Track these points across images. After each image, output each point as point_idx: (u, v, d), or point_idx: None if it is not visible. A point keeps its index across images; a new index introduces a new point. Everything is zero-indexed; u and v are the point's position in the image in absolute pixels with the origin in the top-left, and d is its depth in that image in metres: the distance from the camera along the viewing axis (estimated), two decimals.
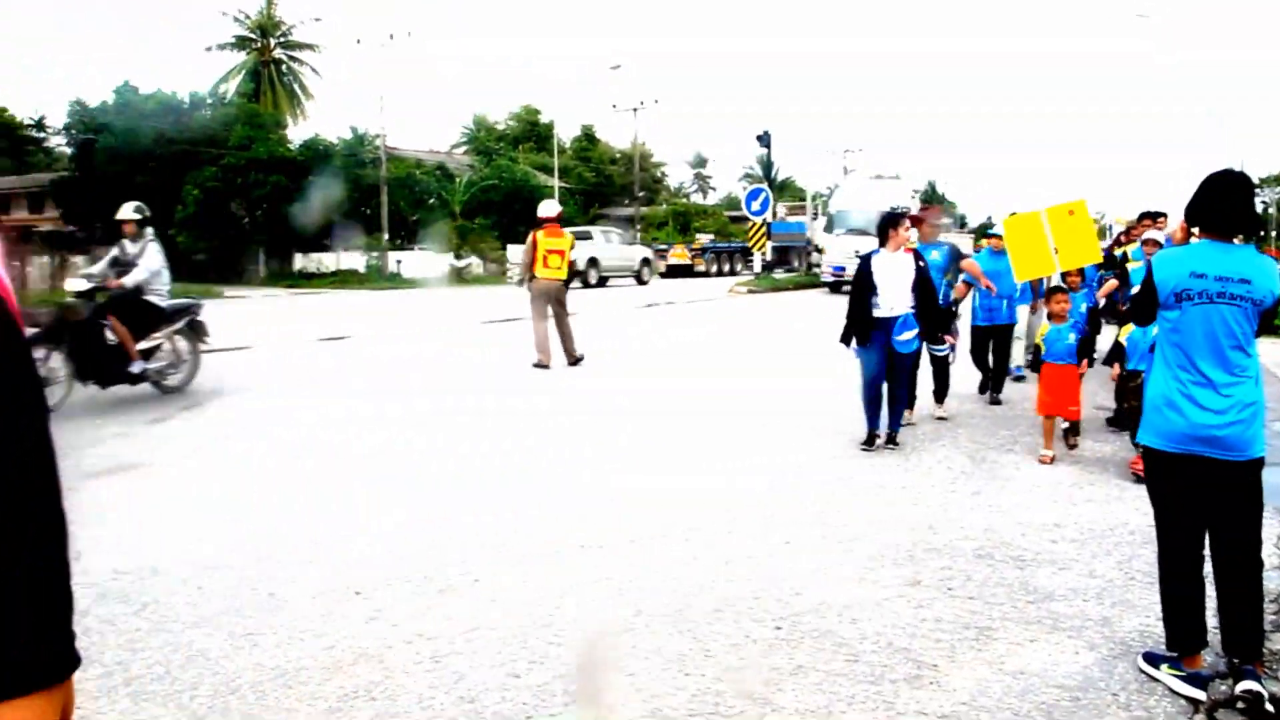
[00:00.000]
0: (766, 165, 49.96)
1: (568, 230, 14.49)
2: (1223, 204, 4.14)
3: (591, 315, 20.88)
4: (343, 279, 42.65)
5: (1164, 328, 4.24)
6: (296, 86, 56.68)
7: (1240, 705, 3.84)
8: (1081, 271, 9.30)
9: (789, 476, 7.47)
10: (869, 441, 8.32)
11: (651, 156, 74.95)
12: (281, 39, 56.66)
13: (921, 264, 8.41)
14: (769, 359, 15.06)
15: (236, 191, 41.77)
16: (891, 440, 8.46)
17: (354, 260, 46.59)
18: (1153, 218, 12.38)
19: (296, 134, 51.21)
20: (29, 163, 60.47)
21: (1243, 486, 4.09)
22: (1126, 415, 8.27)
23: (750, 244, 36.51)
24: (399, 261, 45.92)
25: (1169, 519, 4.24)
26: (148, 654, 4.34)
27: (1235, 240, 4.19)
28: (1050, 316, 8.58)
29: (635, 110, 57.66)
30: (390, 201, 44.56)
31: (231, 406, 10.68)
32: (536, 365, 13.60)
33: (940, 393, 10.02)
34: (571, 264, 14.16)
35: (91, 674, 4.12)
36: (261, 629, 4.62)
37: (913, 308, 8.25)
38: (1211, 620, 4.22)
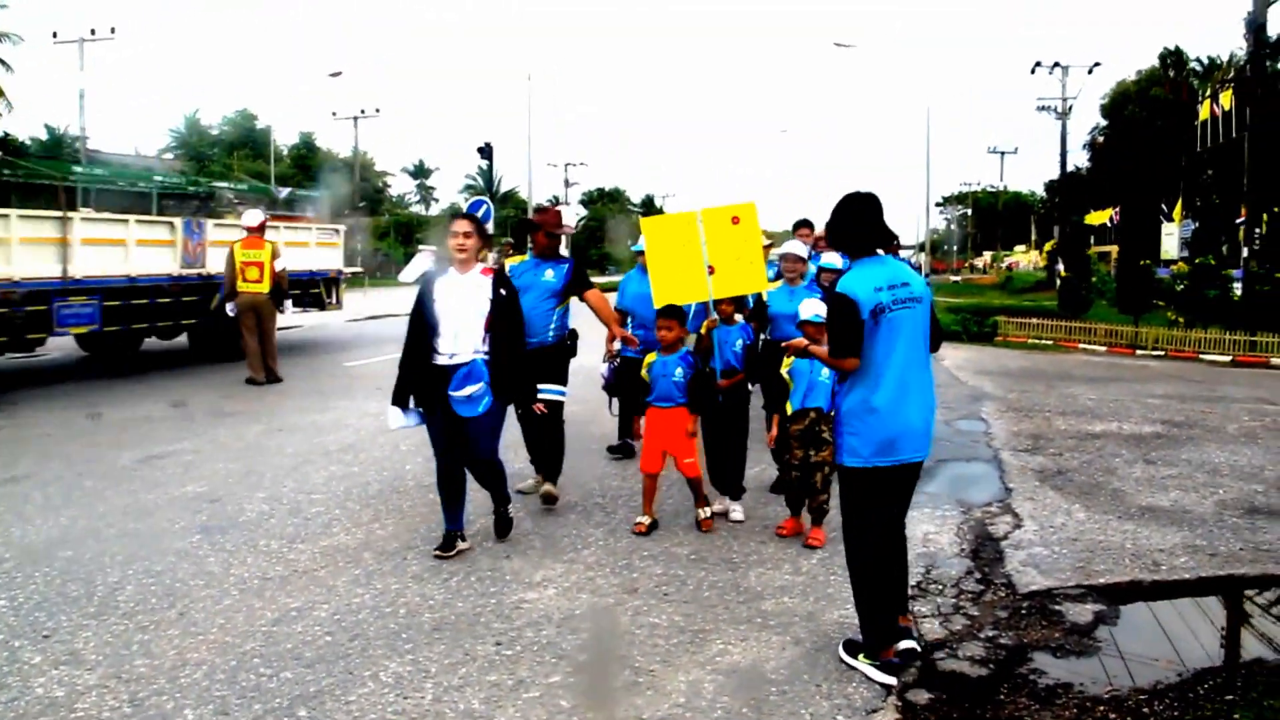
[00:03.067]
0: (488, 176, 49.90)
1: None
2: (860, 226, 4.44)
3: None
4: None
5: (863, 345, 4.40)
6: None
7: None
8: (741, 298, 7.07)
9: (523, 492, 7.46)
10: (445, 546, 5.92)
11: (374, 165, 73.23)
12: None
13: (504, 290, 5.93)
14: None
15: None
16: (447, 546, 5.91)
17: None
18: (809, 226, 10.34)
19: None
20: None
21: (914, 480, 4.50)
22: (790, 476, 6.49)
23: None
24: None
25: (870, 527, 4.43)
26: None
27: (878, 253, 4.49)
28: (661, 346, 6.67)
29: (356, 119, 56.32)
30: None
31: None
32: (249, 381, 13.04)
33: (553, 465, 7.23)
34: (279, 275, 13.56)
35: None
36: None
37: (485, 353, 5.80)
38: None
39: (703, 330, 6.90)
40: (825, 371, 6.10)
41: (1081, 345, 20.96)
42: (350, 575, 5.54)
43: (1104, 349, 20.46)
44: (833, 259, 7.59)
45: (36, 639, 4.64)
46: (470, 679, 4.25)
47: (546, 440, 7.16)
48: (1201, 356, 18.96)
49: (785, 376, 6.45)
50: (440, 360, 5.78)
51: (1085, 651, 4.67)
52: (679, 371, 6.49)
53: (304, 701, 4.02)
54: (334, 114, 57.16)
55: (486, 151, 43.59)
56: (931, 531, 6.58)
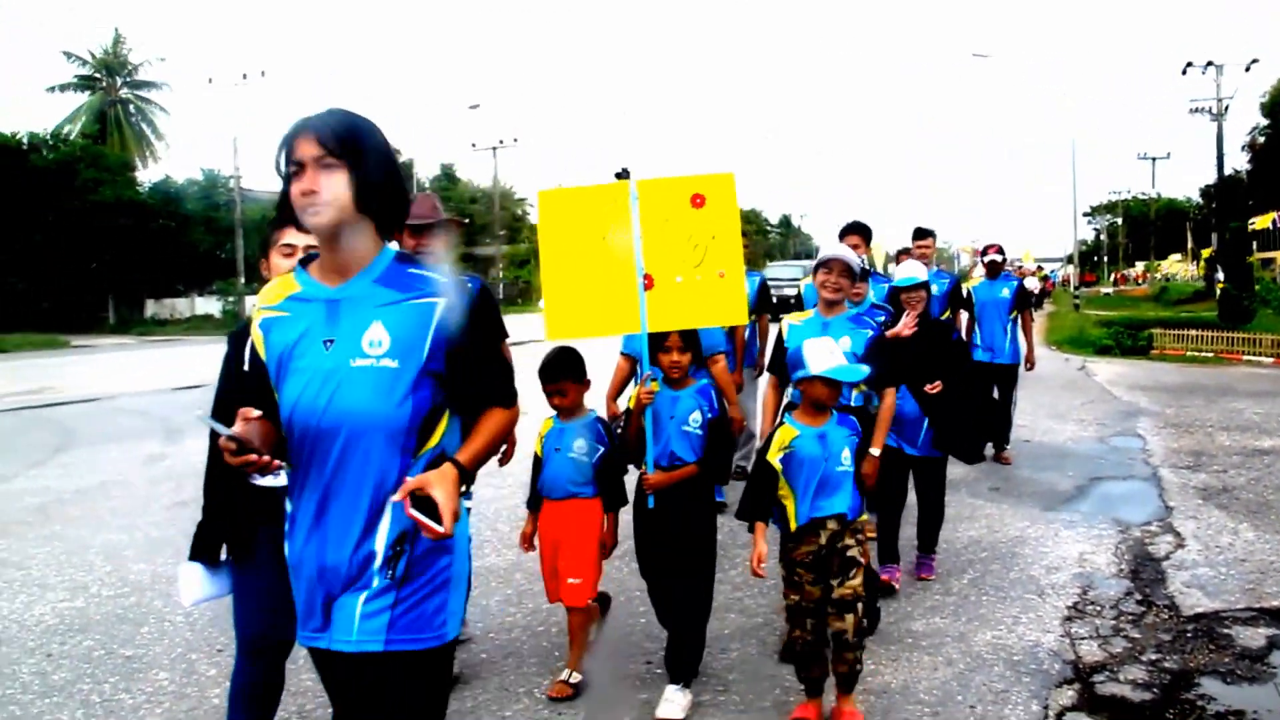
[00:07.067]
0: None
1: None
2: None
3: None
4: (197, 325, 41.40)
5: None
6: (146, 127, 54.77)
7: None
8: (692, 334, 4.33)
9: None
10: None
11: (514, 194, 74.81)
12: (128, 78, 54.70)
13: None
14: None
15: (82, 236, 40.12)
16: None
17: (209, 306, 45.37)
18: (931, 236, 8.86)
19: (148, 176, 49.72)
20: None
21: None
22: (795, 636, 4.06)
23: None
24: None
25: None
26: None
27: None
28: (557, 411, 4.40)
29: (495, 149, 57.70)
30: (246, 245, 43.51)
31: None
32: None
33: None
34: None
35: None
36: (119, 693, 4.44)
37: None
38: None
39: (631, 402, 4.32)
40: (846, 455, 3.98)
41: (1245, 357, 19.98)
42: (503, 595, 5.70)
43: (1270, 360, 19.46)
44: (913, 271, 5.89)
45: (211, 653, 4.92)
46: (622, 696, 4.32)
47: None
48: None
49: (776, 466, 3.99)
50: (261, 479, 2.80)
51: (1258, 678, 4.48)
52: (579, 444, 4.31)
53: (461, 717, 4.15)
54: (473, 145, 58.62)
55: (624, 176, 44.15)
56: (1088, 551, 6.39)
